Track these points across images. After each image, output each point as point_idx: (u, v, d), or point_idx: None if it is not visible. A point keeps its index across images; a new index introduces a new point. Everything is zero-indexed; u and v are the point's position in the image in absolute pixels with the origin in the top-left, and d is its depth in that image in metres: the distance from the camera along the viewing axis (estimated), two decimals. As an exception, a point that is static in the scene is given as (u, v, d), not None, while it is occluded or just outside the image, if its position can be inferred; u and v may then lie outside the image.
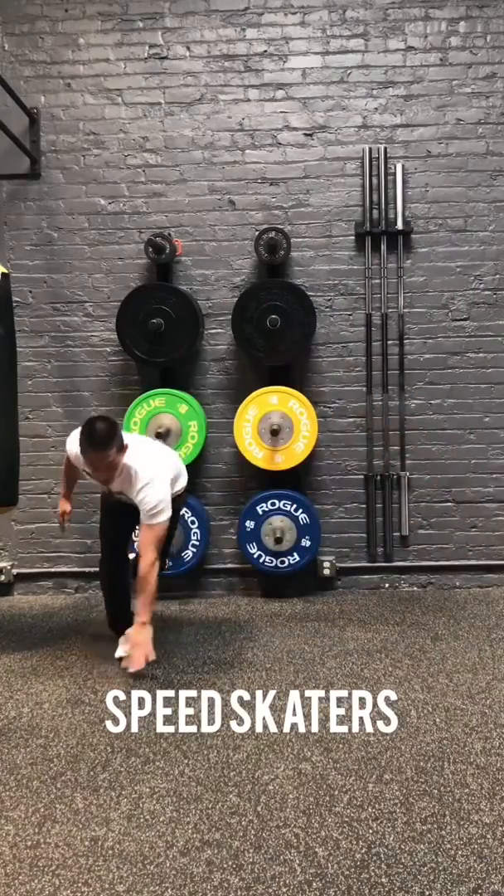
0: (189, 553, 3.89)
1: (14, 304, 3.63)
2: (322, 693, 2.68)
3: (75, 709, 2.61)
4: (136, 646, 2.76)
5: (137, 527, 3.13)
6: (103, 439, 2.68)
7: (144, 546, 2.81)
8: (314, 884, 1.65)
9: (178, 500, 3.11)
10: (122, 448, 2.75)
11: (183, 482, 3.15)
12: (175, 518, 3.18)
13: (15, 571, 4.17)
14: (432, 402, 4.08)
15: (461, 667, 2.92)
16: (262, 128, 4.08)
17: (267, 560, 3.91)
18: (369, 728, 2.40)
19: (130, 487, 2.81)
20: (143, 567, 2.79)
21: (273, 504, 3.89)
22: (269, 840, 1.81)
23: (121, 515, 3.08)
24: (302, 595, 4.01)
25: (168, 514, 2.83)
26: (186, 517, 3.87)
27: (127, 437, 2.87)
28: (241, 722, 2.46)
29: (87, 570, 4.15)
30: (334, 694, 2.67)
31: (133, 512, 2.94)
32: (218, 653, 3.15)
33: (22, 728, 2.47)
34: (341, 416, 4.11)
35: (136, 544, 3.10)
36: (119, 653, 3.02)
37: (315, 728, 2.41)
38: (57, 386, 4.17)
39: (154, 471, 2.82)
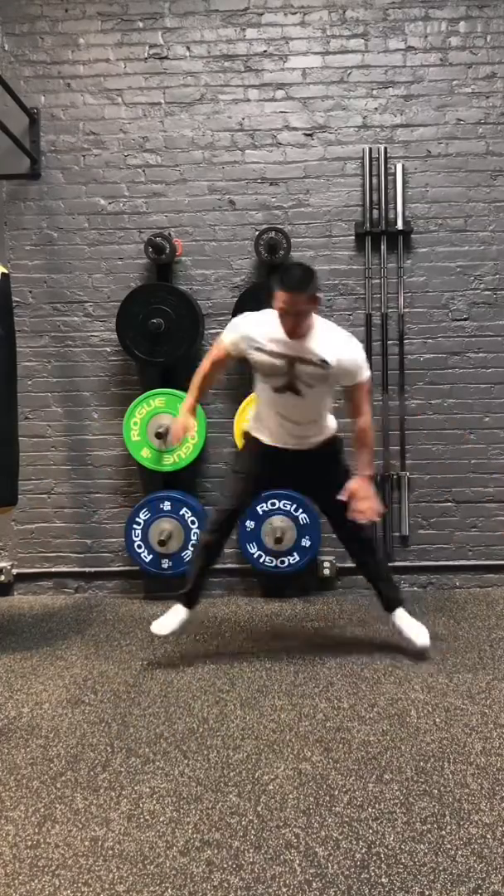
0: (189, 553, 3.89)
1: (14, 304, 3.63)
2: (322, 693, 2.69)
3: (75, 709, 2.61)
4: (366, 498, 2.81)
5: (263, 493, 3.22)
6: (301, 280, 2.60)
7: (360, 405, 2.85)
8: (314, 884, 1.65)
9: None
10: (316, 299, 2.70)
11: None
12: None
13: (15, 571, 4.17)
14: (432, 402, 4.08)
15: (461, 667, 2.92)
16: (262, 128, 4.08)
17: (267, 560, 3.91)
18: (369, 728, 2.40)
19: (316, 346, 2.71)
20: (362, 424, 2.86)
21: (273, 504, 3.89)
22: (269, 840, 1.82)
23: (259, 478, 3.01)
24: (302, 595, 4.01)
25: (368, 372, 2.83)
26: (186, 517, 3.87)
27: None
28: (241, 722, 2.46)
29: (87, 570, 4.16)
30: (334, 694, 2.68)
31: (273, 476, 3.00)
32: (218, 653, 3.15)
33: (22, 728, 2.47)
34: (341, 416, 4.09)
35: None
36: (164, 627, 3.00)
37: (315, 728, 2.41)
38: (57, 386, 4.17)
39: (346, 333, 2.81)
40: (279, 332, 2.70)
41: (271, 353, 2.76)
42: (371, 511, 2.82)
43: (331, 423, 3.04)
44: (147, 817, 1.93)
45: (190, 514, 3.87)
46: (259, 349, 2.78)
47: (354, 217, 4.06)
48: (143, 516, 3.89)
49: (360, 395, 2.85)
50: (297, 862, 1.73)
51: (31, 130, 4.06)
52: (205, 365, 3.00)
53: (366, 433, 2.89)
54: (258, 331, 2.77)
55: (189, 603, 3.06)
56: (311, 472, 2.97)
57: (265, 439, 2.97)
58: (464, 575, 4.11)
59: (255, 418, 3.05)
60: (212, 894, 1.63)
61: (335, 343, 2.74)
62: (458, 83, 4.03)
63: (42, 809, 1.98)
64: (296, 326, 2.66)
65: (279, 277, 2.63)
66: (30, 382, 4.11)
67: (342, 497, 2.84)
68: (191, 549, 3.88)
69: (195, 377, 3.03)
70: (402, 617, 3.07)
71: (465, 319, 4.07)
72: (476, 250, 4.05)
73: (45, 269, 4.13)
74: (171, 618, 3.03)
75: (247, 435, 3.09)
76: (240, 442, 3.88)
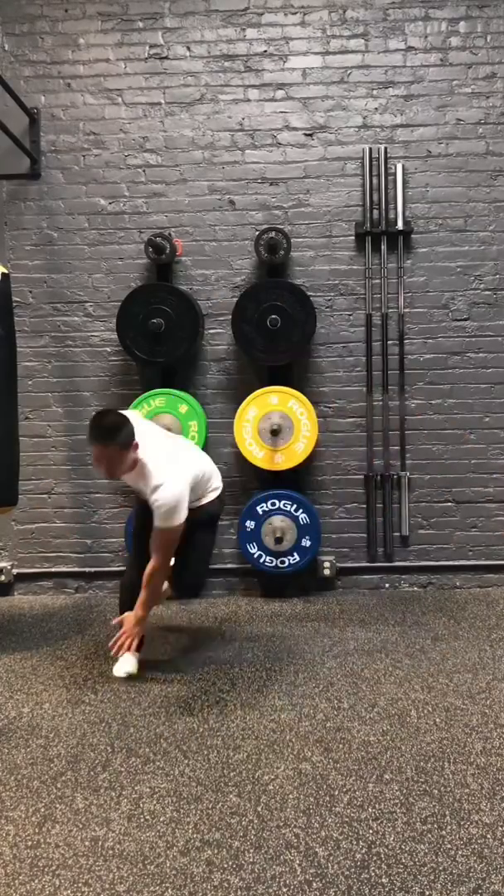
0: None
1: (14, 304, 3.63)
2: (322, 693, 2.69)
3: (75, 709, 2.61)
4: (126, 633, 2.80)
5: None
6: (107, 433, 2.66)
7: (154, 548, 2.77)
8: (314, 884, 1.65)
9: (212, 506, 3.05)
10: (130, 445, 2.70)
11: (215, 485, 3.06)
12: (213, 527, 3.14)
13: (15, 571, 4.17)
14: (432, 402, 4.08)
15: (461, 667, 2.92)
16: (262, 128, 4.08)
17: (267, 560, 3.91)
18: (369, 728, 2.40)
19: (145, 485, 2.76)
20: (148, 568, 2.77)
21: (273, 504, 3.89)
22: (269, 840, 1.81)
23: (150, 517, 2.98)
24: (302, 595, 4.01)
25: (180, 517, 2.73)
26: (186, 517, 3.87)
27: (152, 432, 2.88)
28: (241, 722, 2.46)
29: (87, 570, 4.16)
30: (334, 694, 2.68)
31: None
32: (218, 653, 3.15)
33: (22, 728, 2.47)
34: (341, 416, 4.11)
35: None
36: (123, 671, 2.88)
37: (315, 728, 2.41)
38: (57, 386, 4.17)
39: (168, 471, 2.73)
40: None
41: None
42: (121, 647, 2.78)
43: (213, 485, 3.05)
44: (147, 817, 1.93)
45: (190, 514, 3.87)
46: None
47: (354, 217, 4.06)
48: (143, 516, 3.89)
49: (156, 540, 2.76)
50: (297, 862, 1.73)
51: (31, 130, 4.06)
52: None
53: (150, 577, 2.78)
54: None
55: (138, 646, 2.95)
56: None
57: None
58: (464, 575, 4.11)
59: None
60: (212, 894, 1.63)
61: (152, 484, 2.72)
62: (458, 83, 4.03)
63: (42, 809, 1.98)
64: (108, 473, 2.78)
65: (90, 426, 2.70)
66: (30, 382, 4.11)
67: (115, 623, 2.87)
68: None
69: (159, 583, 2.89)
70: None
71: (466, 319, 4.07)
72: (476, 250, 4.05)
73: (45, 269, 4.13)
74: (126, 663, 2.91)
75: None
76: (240, 442, 3.89)
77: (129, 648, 2.81)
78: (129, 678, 2.85)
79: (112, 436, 2.67)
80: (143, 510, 3.01)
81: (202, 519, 2.99)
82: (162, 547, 2.78)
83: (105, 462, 2.72)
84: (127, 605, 2.98)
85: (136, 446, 2.74)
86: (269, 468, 3.91)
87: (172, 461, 2.82)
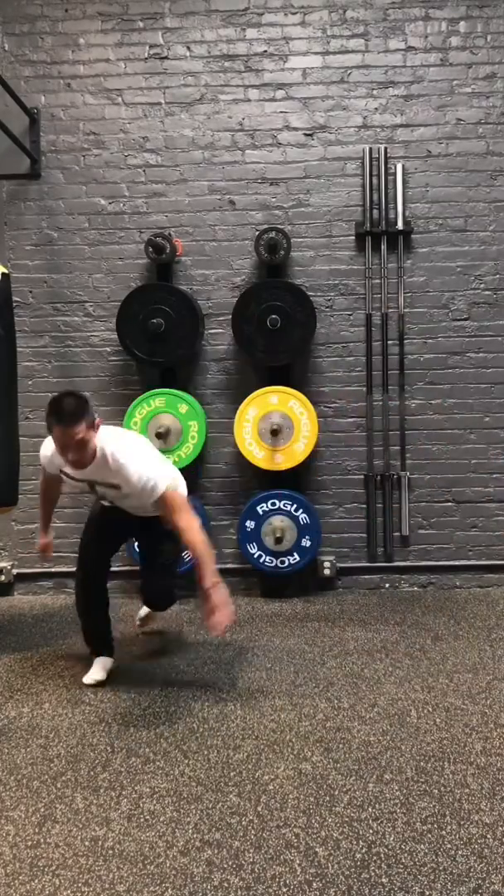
0: (189, 553, 3.88)
1: (14, 304, 3.63)
2: (322, 693, 2.69)
3: (75, 709, 2.61)
4: (221, 607, 2.49)
5: (125, 543, 3.12)
6: (72, 412, 2.43)
7: (173, 520, 2.58)
8: (314, 884, 1.65)
9: None
10: (94, 424, 2.51)
11: (179, 487, 2.84)
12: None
13: (15, 571, 4.17)
14: (432, 402, 4.08)
15: (461, 667, 2.92)
16: (262, 128, 4.08)
17: (267, 560, 3.91)
18: (369, 728, 2.40)
19: (108, 472, 2.56)
20: (186, 539, 2.57)
21: (273, 504, 3.89)
22: (269, 840, 1.81)
23: (106, 529, 2.91)
24: (302, 595, 4.01)
25: (166, 481, 2.59)
26: (186, 517, 3.86)
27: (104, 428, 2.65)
28: (241, 722, 2.46)
29: (87, 570, 4.16)
30: (334, 694, 2.67)
31: (121, 525, 2.86)
32: (218, 653, 3.15)
33: (22, 728, 2.47)
34: (341, 416, 4.11)
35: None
36: (92, 678, 2.81)
37: (315, 728, 2.41)
38: (57, 386, 4.16)
39: (132, 449, 2.60)
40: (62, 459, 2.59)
41: (72, 478, 2.70)
42: (228, 620, 2.52)
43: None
44: (147, 817, 1.93)
45: (190, 514, 3.86)
46: (63, 472, 2.71)
47: (354, 217, 4.06)
48: (143, 516, 3.89)
49: (168, 510, 2.61)
50: (297, 862, 1.73)
51: (31, 130, 4.06)
52: (40, 485, 2.99)
53: (193, 547, 2.57)
54: (56, 457, 2.63)
55: (110, 652, 2.94)
56: (147, 531, 2.89)
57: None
58: (464, 575, 4.11)
59: None
60: (212, 894, 1.63)
61: (120, 466, 2.54)
62: (458, 83, 4.03)
63: (42, 809, 1.98)
64: (78, 458, 2.51)
65: (50, 412, 2.45)
66: (30, 382, 4.11)
67: (207, 620, 2.54)
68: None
69: (41, 502, 3.07)
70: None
71: (465, 319, 4.07)
72: (476, 250, 4.05)
73: (45, 269, 4.13)
74: (97, 671, 2.86)
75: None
76: (240, 442, 3.89)
77: (231, 619, 2.54)
78: (98, 685, 2.80)
79: (79, 414, 2.44)
80: (98, 521, 2.92)
81: (166, 529, 2.72)
82: (177, 512, 2.59)
83: (74, 446, 2.45)
84: (92, 625, 2.93)
85: (99, 426, 2.56)
86: (269, 468, 3.91)
87: (131, 441, 2.69)
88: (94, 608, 2.94)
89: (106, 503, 2.86)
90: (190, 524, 2.60)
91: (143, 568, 3.03)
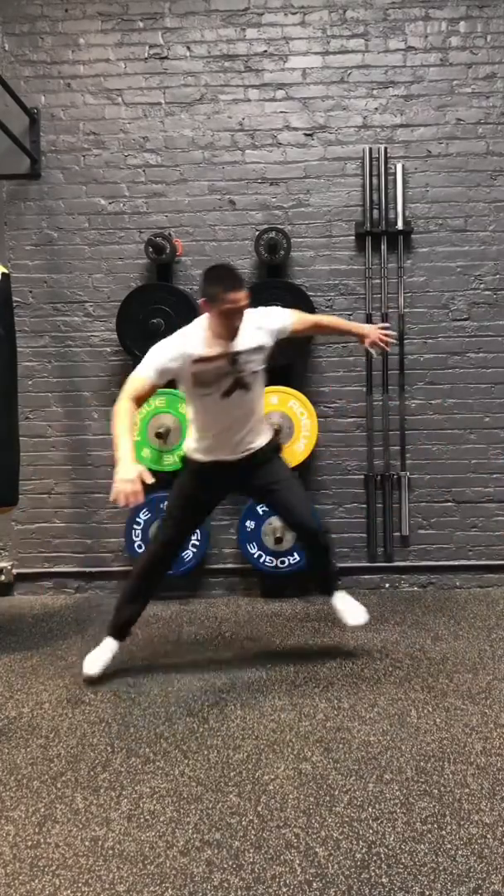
0: (189, 553, 3.89)
1: (14, 304, 3.63)
2: (322, 693, 2.69)
3: (75, 709, 2.61)
4: (382, 329, 3.03)
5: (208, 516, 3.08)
6: (239, 276, 2.62)
7: (305, 318, 2.98)
8: (314, 884, 1.65)
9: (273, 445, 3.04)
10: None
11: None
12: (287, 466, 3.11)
13: (15, 571, 4.17)
14: (432, 402, 4.08)
15: (461, 667, 2.92)
16: (262, 128, 4.08)
17: (267, 560, 3.91)
18: (369, 728, 2.40)
19: (252, 329, 2.71)
20: (320, 320, 3.11)
21: (273, 504, 3.89)
22: (269, 840, 1.82)
23: (196, 505, 2.92)
24: (302, 595, 4.01)
25: (287, 309, 2.94)
26: (186, 517, 3.86)
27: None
28: (241, 722, 2.46)
29: (87, 570, 4.16)
30: (334, 694, 2.68)
31: (216, 492, 2.92)
32: (218, 653, 3.15)
33: (22, 728, 2.47)
34: (341, 416, 4.10)
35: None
36: (92, 669, 2.84)
37: (315, 728, 2.41)
38: (57, 386, 4.17)
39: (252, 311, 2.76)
40: (211, 339, 2.66)
41: (214, 358, 2.68)
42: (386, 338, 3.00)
43: (266, 425, 3.01)
44: (147, 817, 1.93)
45: (190, 514, 3.87)
46: (200, 360, 2.67)
47: (354, 217, 4.06)
48: (143, 516, 3.89)
49: (299, 318, 2.92)
50: (297, 862, 1.73)
51: (31, 130, 4.06)
52: (126, 406, 2.63)
53: (328, 319, 3.13)
54: (191, 344, 2.67)
55: (123, 636, 2.96)
56: (262, 475, 2.89)
57: (217, 458, 2.84)
58: (464, 575, 4.11)
59: (199, 441, 2.87)
60: (212, 894, 1.63)
61: (253, 323, 2.72)
62: (458, 83, 4.03)
63: (42, 809, 1.98)
64: (240, 324, 2.64)
65: (220, 282, 2.56)
66: (30, 382, 4.11)
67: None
68: (191, 548, 3.88)
69: (120, 422, 2.59)
70: (341, 598, 3.10)
71: (465, 319, 4.07)
72: (476, 250, 4.05)
73: (45, 269, 4.13)
74: (103, 652, 2.89)
75: (189, 459, 2.93)
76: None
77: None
78: (91, 683, 2.81)
79: (241, 278, 2.62)
80: (197, 499, 2.90)
81: (278, 463, 2.95)
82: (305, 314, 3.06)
83: (240, 311, 2.60)
84: (140, 610, 2.93)
85: None
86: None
87: None
88: (146, 595, 2.94)
89: (227, 420, 2.79)
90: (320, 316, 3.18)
91: (285, 513, 2.97)
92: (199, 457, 2.88)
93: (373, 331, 3.00)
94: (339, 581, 3.16)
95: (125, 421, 2.60)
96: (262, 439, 2.90)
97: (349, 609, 3.07)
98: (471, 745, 2.27)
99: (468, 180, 4.04)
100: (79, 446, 4.16)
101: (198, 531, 3.86)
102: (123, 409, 2.61)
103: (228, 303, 2.55)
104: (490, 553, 4.11)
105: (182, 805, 1.98)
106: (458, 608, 3.73)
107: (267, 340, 2.78)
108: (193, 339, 2.69)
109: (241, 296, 2.57)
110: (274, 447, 2.99)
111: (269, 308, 2.88)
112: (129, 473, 2.46)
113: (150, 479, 2.48)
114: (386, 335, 3.00)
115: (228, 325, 2.61)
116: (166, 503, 3.03)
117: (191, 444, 2.91)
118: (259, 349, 2.76)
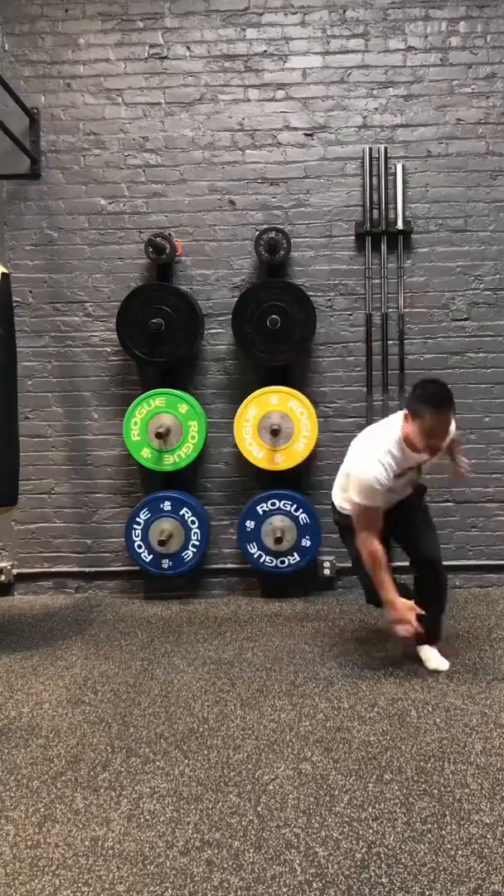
0: (189, 553, 3.89)
1: (14, 304, 3.63)
2: (322, 693, 2.69)
3: (75, 709, 2.61)
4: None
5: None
6: (450, 397, 2.65)
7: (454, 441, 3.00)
8: (314, 884, 1.65)
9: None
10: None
11: None
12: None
13: (15, 571, 4.17)
14: (432, 402, 4.08)
15: (461, 667, 2.92)
16: (262, 128, 4.07)
17: (267, 560, 3.91)
18: (369, 728, 2.40)
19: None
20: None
21: (273, 504, 3.89)
22: (269, 840, 1.81)
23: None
24: (302, 595, 4.00)
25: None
26: (186, 517, 3.87)
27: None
28: (241, 722, 2.46)
29: (87, 570, 4.16)
30: (334, 694, 2.67)
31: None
32: (218, 653, 3.15)
33: (22, 728, 2.47)
34: (341, 416, 4.10)
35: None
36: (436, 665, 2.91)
37: (315, 728, 2.41)
38: (57, 386, 4.17)
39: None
40: (406, 454, 2.72)
41: (405, 473, 2.80)
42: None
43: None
44: (147, 817, 1.93)
45: (190, 513, 3.87)
46: (397, 477, 2.77)
47: (354, 217, 4.06)
48: (143, 516, 3.89)
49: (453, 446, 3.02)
50: (297, 862, 1.73)
51: (31, 130, 4.06)
52: (376, 544, 2.75)
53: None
54: (393, 466, 2.72)
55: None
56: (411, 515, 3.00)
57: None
58: (464, 575, 4.11)
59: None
60: (212, 894, 1.63)
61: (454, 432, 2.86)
62: (458, 83, 4.03)
63: (42, 809, 1.98)
64: (444, 441, 2.71)
65: (427, 401, 2.61)
66: (30, 382, 4.11)
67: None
68: (191, 548, 3.88)
69: (378, 563, 2.77)
70: (429, 651, 2.96)
71: (465, 319, 4.07)
72: (476, 250, 4.05)
73: (45, 269, 4.13)
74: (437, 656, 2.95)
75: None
76: (240, 442, 3.89)
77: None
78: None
79: (452, 399, 2.67)
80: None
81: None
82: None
83: (446, 431, 2.67)
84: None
85: None
86: (269, 468, 3.91)
87: None
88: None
89: (397, 496, 2.89)
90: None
91: (409, 540, 3.04)
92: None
93: (460, 466, 3.14)
94: (438, 637, 3.04)
95: (383, 560, 2.78)
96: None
97: (433, 661, 2.96)
98: (471, 745, 2.27)
99: (468, 180, 4.04)
100: (79, 446, 4.16)
101: (198, 531, 3.87)
102: (376, 548, 2.75)
103: (433, 422, 2.61)
104: (490, 553, 4.10)
105: (182, 805, 1.98)
106: (458, 608, 3.73)
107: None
108: (393, 460, 2.72)
109: (449, 417, 2.65)
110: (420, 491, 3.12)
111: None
112: (403, 614, 2.71)
113: (420, 611, 2.71)
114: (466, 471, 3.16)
115: (430, 444, 2.65)
116: None
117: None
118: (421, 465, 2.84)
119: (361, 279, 4.06)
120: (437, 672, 2.87)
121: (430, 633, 2.91)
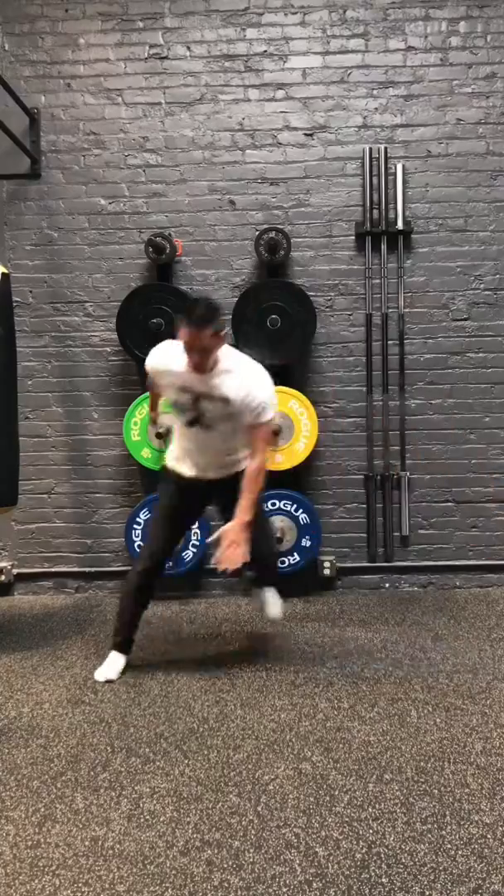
0: (189, 553, 3.89)
1: (14, 304, 3.63)
2: (322, 693, 2.69)
3: (75, 709, 2.61)
4: (232, 544, 2.59)
5: (192, 527, 3.15)
6: (202, 316, 2.52)
7: (257, 449, 2.68)
8: (314, 884, 1.65)
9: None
10: (220, 335, 2.58)
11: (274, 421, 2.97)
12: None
13: (15, 571, 4.17)
14: (432, 402, 4.08)
15: (461, 667, 2.92)
16: (262, 128, 4.07)
17: (267, 560, 3.90)
18: (369, 728, 2.40)
19: (222, 383, 2.62)
20: (255, 465, 2.67)
21: (273, 504, 3.89)
22: (269, 840, 1.81)
23: (176, 515, 2.93)
24: (302, 595, 4.00)
25: (272, 411, 2.68)
26: (186, 517, 3.87)
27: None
28: (241, 722, 2.46)
29: (87, 570, 4.16)
30: (334, 694, 2.67)
31: (192, 506, 2.96)
32: (218, 653, 3.15)
33: (22, 728, 2.47)
34: (341, 416, 4.10)
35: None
36: (104, 675, 2.86)
37: (315, 728, 2.41)
38: (57, 386, 4.17)
39: (255, 367, 2.69)
40: (185, 361, 2.64)
41: (180, 387, 2.71)
42: (232, 560, 2.58)
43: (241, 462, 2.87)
44: (147, 817, 1.93)
45: (190, 514, 3.86)
46: (171, 381, 2.73)
47: (354, 217, 4.06)
48: (143, 516, 3.89)
49: (257, 435, 2.69)
50: (297, 862, 1.73)
51: (31, 130, 4.06)
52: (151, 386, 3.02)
53: (254, 477, 2.67)
54: (171, 362, 2.70)
55: (128, 649, 2.95)
56: (228, 495, 2.79)
57: (185, 472, 2.87)
58: (464, 575, 4.11)
59: (174, 451, 2.94)
60: (212, 894, 1.63)
61: (241, 380, 2.64)
62: (458, 83, 4.03)
63: (42, 809, 1.98)
64: (200, 361, 2.58)
65: (184, 312, 2.58)
66: (30, 382, 4.11)
67: (212, 539, 2.70)
68: (191, 548, 3.88)
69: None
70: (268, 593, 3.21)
71: (465, 319, 4.07)
72: (476, 250, 4.05)
73: (45, 269, 4.13)
74: (112, 666, 2.91)
75: (167, 470, 2.96)
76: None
77: (243, 559, 2.58)
78: (107, 682, 2.82)
79: (211, 320, 2.53)
80: (173, 506, 2.90)
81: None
82: (265, 441, 2.74)
83: (199, 349, 2.55)
84: (129, 612, 2.92)
85: (224, 338, 2.64)
86: (268, 468, 3.89)
87: (253, 363, 2.72)
88: (144, 600, 2.93)
89: (191, 445, 2.83)
90: (264, 456, 2.71)
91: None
92: (173, 465, 2.93)
93: (230, 546, 2.61)
94: (274, 582, 3.22)
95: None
96: (234, 469, 2.83)
97: (272, 602, 3.19)
98: (471, 745, 2.27)
99: (468, 180, 4.04)
100: (79, 446, 4.16)
101: (198, 531, 3.87)
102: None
103: (183, 336, 2.56)
104: (490, 553, 4.11)
105: (182, 805, 1.98)
106: (458, 608, 3.73)
107: (235, 402, 2.64)
108: (176, 358, 2.67)
109: (197, 334, 2.52)
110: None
111: (263, 384, 2.68)
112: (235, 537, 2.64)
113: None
114: (226, 560, 2.61)
115: (189, 357, 2.60)
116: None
117: (171, 451, 2.99)
118: (223, 402, 2.65)
119: (361, 279, 4.06)
120: (273, 622, 3.07)
121: (265, 572, 3.11)
